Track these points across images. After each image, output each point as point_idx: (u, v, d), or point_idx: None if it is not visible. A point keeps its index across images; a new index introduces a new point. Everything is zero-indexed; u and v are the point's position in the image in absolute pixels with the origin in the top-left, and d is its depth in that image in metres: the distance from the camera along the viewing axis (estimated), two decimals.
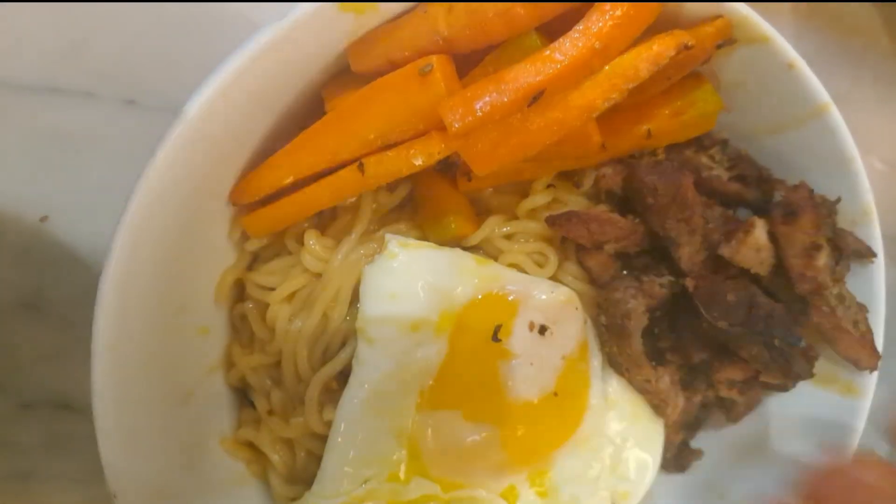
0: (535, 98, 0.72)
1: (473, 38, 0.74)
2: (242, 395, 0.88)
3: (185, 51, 0.90)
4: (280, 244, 0.84)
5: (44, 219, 0.90)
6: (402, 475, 0.82)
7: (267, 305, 0.83)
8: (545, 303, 0.82)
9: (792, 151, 0.87)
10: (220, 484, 0.84)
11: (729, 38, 0.80)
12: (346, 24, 0.73)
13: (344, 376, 0.81)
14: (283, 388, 0.84)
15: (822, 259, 0.82)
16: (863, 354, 0.84)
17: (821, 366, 0.87)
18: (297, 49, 0.72)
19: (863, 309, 0.86)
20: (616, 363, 0.87)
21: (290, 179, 0.78)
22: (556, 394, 0.83)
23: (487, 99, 0.71)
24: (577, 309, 0.84)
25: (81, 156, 0.91)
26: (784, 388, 0.87)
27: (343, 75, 0.79)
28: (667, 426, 0.91)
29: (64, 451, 0.94)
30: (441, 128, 0.73)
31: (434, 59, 0.73)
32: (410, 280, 0.79)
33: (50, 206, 0.90)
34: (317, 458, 0.82)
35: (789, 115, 0.84)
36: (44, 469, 0.94)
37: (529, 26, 0.74)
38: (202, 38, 0.91)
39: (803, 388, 0.89)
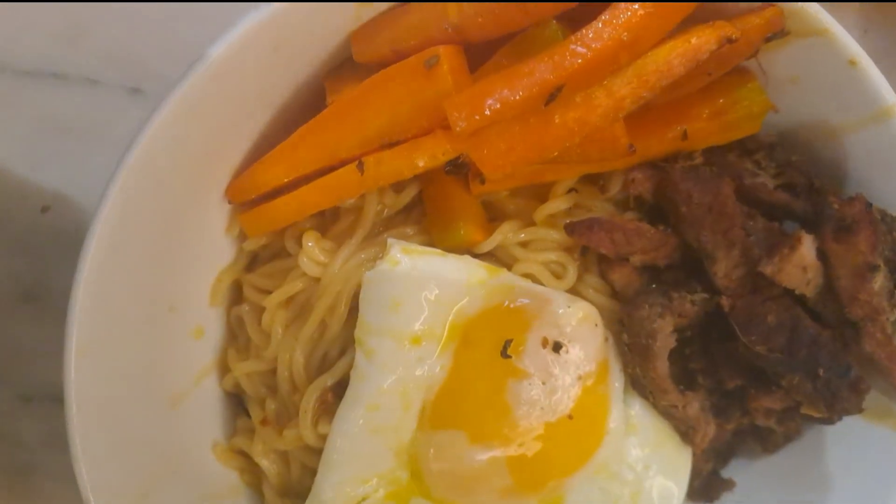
0: (553, 96, 0.66)
1: (486, 27, 0.68)
2: (239, 401, 0.84)
3: (191, 38, 0.86)
4: (280, 244, 0.80)
5: (45, 209, 0.88)
6: (401, 495, 0.78)
7: (264, 309, 0.79)
8: (561, 318, 0.76)
9: (849, 159, 0.79)
10: (211, 493, 0.80)
11: (780, 31, 0.72)
12: (347, 9, 0.68)
13: (342, 387, 0.76)
14: (278, 397, 0.80)
15: (879, 281, 0.74)
16: None
17: (873, 399, 0.78)
18: (293, 35, 0.67)
19: None
20: (640, 385, 0.80)
21: (287, 177, 0.74)
22: (570, 417, 0.77)
23: (498, 96, 0.65)
24: (596, 326, 0.77)
25: (84, 144, 0.89)
26: (829, 422, 0.79)
27: (347, 65, 0.74)
28: (695, 454, 0.84)
29: (64, 444, 0.91)
30: (447, 126, 0.67)
31: (441, 49, 0.67)
32: (413, 289, 0.74)
33: (51, 195, 0.88)
34: (311, 472, 0.78)
35: (848, 117, 0.77)
36: (43, 463, 0.93)
37: (549, 15, 0.68)
38: (208, 26, 0.86)
39: (852, 421, 0.80)
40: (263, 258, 0.82)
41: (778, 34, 0.72)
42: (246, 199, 0.76)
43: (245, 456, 0.83)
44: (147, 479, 0.74)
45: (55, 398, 0.91)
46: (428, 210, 0.78)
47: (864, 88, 0.73)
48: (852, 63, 0.73)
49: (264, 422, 0.80)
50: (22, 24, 0.86)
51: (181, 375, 0.79)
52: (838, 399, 0.75)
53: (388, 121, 0.69)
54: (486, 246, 0.77)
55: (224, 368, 0.83)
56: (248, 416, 0.84)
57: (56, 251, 0.89)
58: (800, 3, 0.70)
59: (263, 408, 0.81)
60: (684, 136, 0.77)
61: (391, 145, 0.70)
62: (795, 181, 0.80)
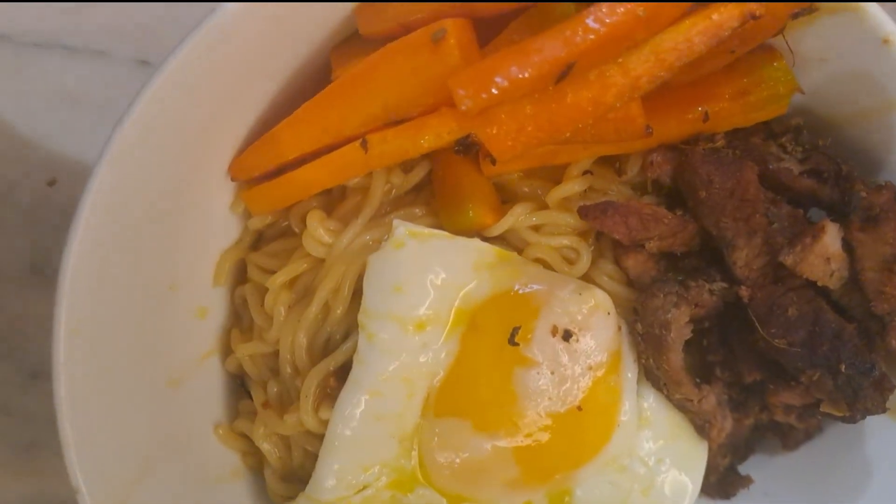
0: (564, 73, 0.63)
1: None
2: (242, 383, 0.83)
3: (200, 11, 0.84)
4: (286, 223, 0.79)
5: (52, 183, 0.87)
6: (404, 484, 0.77)
7: (267, 290, 0.77)
8: (572, 305, 0.73)
9: (879, 145, 0.76)
10: (211, 476, 0.79)
11: (808, 6, 0.68)
12: None
13: (345, 372, 0.75)
14: (279, 380, 0.78)
15: None
16: None
17: None
18: (294, 7, 0.64)
19: None
20: (654, 377, 0.77)
21: (292, 154, 0.72)
22: (580, 408, 0.74)
23: (506, 73, 0.62)
24: (609, 314, 0.75)
25: (91, 117, 0.88)
26: (851, 420, 0.75)
27: (353, 39, 0.72)
28: (711, 449, 0.81)
29: None
30: (454, 104, 0.64)
31: (449, 23, 0.64)
32: (419, 272, 0.72)
33: (58, 169, 0.88)
34: (313, 458, 0.77)
35: (880, 100, 0.73)
36: (50, 439, 0.91)
37: None
38: None
39: (877, 419, 0.77)
40: (269, 237, 0.80)
41: (806, 10, 0.69)
42: (249, 177, 0.75)
43: (248, 439, 0.82)
44: (143, 462, 0.72)
45: None
46: (437, 191, 0.76)
47: None
48: (886, 41, 0.69)
49: (266, 405, 0.79)
50: None
51: (183, 356, 0.78)
52: (860, 397, 0.72)
53: (393, 97, 0.67)
54: (497, 229, 0.75)
55: (228, 350, 0.82)
56: (252, 398, 0.82)
57: (63, 224, 0.87)
58: None
59: (266, 390, 0.80)
60: (706, 117, 0.74)
61: (397, 123, 0.68)
62: (822, 167, 0.77)
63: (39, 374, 0.91)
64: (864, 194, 0.72)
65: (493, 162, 0.72)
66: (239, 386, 0.84)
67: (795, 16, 0.68)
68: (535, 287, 0.74)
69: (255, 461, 0.82)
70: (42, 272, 0.89)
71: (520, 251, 0.76)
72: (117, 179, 0.64)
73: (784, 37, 0.71)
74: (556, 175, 0.77)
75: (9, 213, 0.87)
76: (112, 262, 0.67)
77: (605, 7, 0.62)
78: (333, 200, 0.78)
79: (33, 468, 0.92)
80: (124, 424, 0.70)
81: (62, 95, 0.87)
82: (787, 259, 0.71)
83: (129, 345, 0.71)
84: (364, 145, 0.68)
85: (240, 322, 0.82)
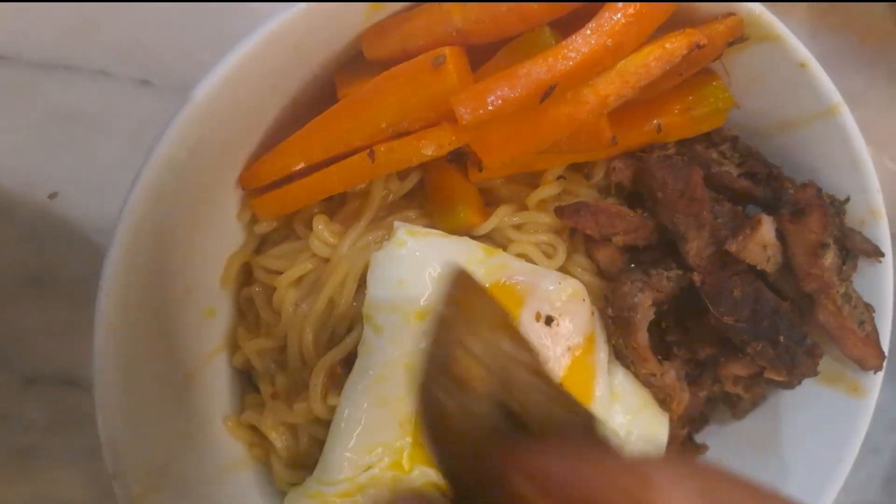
0: (547, 93, 0.72)
1: (487, 30, 0.74)
2: (247, 378, 0.89)
3: (201, 31, 0.90)
4: (289, 228, 0.85)
5: (53, 196, 0.90)
6: (404, 463, 0.82)
7: (274, 289, 0.83)
8: (552, 294, 0.82)
9: (802, 150, 0.86)
10: (221, 466, 0.84)
11: (741, 37, 0.79)
12: (359, 14, 0.73)
13: (349, 362, 0.81)
14: (287, 372, 0.84)
15: (829, 258, 0.82)
16: (868, 354, 0.84)
17: (827, 364, 0.87)
18: (310, 34, 0.72)
19: (870, 309, 0.85)
20: (622, 356, 0.87)
21: (300, 165, 0.78)
22: (561, 385, 0.83)
23: (499, 93, 0.71)
24: (584, 301, 0.84)
25: (93, 134, 0.91)
26: (789, 386, 0.87)
27: (356, 62, 0.79)
28: (672, 420, 0.91)
29: (68, 427, 0.94)
30: (452, 119, 0.73)
31: (447, 50, 0.72)
32: (418, 268, 0.79)
33: (59, 183, 0.91)
34: (319, 444, 0.82)
35: (800, 113, 0.84)
36: (47, 445, 0.94)
37: (543, 21, 0.74)
38: (218, 19, 0.91)
39: (809, 387, 0.89)
40: (272, 241, 0.86)
41: (739, 40, 0.79)
42: (259, 186, 0.81)
43: (254, 430, 0.87)
44: (166, 453, 0.77)
45: (59, 381, 0.95)
46: (430, 195, 0.84)
47: (813, 88, 0.81)
48: (802, 65, 0.80)
49: (274, 395, 0.85)
50: (36, 18, 0.88)
51: (194, 353, 0.82)
52: (797, 363, 0.83)
53: (398, 113, 0.74)
54: (484, 228, 0.83)
55: (233, 346, 0.87)
56: (256, 392, 0.88)
57: (63, 237, 0.91)
58: (757, 12, 0.77)
59: (273, 383, 0.85)
60: (659, 128, 0.84)
61: (400, 136, 0.76)
62: (756, 170, 0.87)
63: (35, 381, 0.93)
64: (791, 192, 0.83)
65: (480, 169, 0.81)
66: (245, 381, 0.89)
67: (731, 44, 0.79)
68: (520, 279, 0.82)
69: (261, 452, 0.87)
70: (41, 282, 0.91)
71: (504, 248, 0.84)
72: (148, 201, 0.70)
73: (721, 62, 0.82)
74: (533, 180, 0.86)
75: (11, 224, 0.90)
76: (139, 271, 0.72)
77: (580, 38, 0.72)
78: (334, 206, 0.85)
79: (29, 475, 0.93)
80: (150, 417, 0.75)
81: (65, 113, 0.90)
82: (732, 247, 0.82)
83: (151, 345, 0.76)
84: (371, 155, 0.76)
85: (245, 320, 0.87)
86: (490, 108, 0.71)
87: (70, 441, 0.94)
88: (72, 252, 0.92)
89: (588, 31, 0.72)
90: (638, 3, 0.72)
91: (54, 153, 0.90)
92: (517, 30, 0.75)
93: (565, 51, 0.72)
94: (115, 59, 0.91)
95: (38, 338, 0.93)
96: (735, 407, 0.93)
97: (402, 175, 0.84)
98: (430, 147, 0.75)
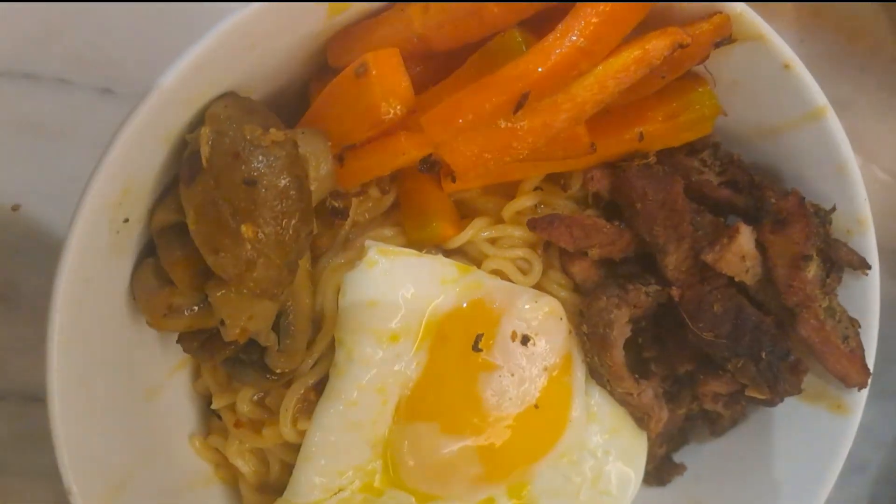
0: (521, 103, 0.70)
1: (448, 36, 0.72)
2: (209, 403, 0.85)
3: (162, 39, 0.87)
4: None
5: (16, 208, 0.88)
6: (376, 485, 0.81)
7: None
8: (528, 312, 0.80)
9: (787, 157, 0.84)
10: (185, 482, 0.82)
11: (727, 37, 0.76)
12: (318, 15, 0.70)
13: (323, 385, 0.79)
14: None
15: (811, 270, 0.80)
16: (852, 371, 0.82)
17: (809, 381, 0.84)
18: (270, 39, 0.69)
19: (854, 323, 0.83)
20: (598, 374, 0.85)
21: None
22: (537, 406, 0.81)
23: (470, 108, 0.69)
24: (561, 319, 0.82)
25: (55, 144, 0.89)
26: (771, 404, 0.84)
27: (328, 70, 0.76)
28: (650, 439, 0.89)
29: (34, 444, 0.92)
30: (411, 129, 0.71)
31: (370, 56, 0.69)
32: (391, 289, 0.77)
33: (22, 195, 0.88)
34: (289, 468, 0.80)
35: (784, 117, 0.81)
36: (13, 462, 0.93)
37: (507, 24, 0.72)
38: (180, 27, 0.88)
39: (791, 404, 0.86)
40: None
41: (725, 40, 0.75)
42: None
43: (220, 452, 0.84)
44: (125, 468, 0.75)
45: (25, 397, 0.93)
46: (403, 206, 0.82)
47: (797, 90, 0.78)
48: (787, 66, 0.77)
49: (237, 424, 0.82)
50: None
51: (155, 369, 0.80)
52: (780, 380, 0.80)
53: (341, 127, 0.72)
54: (457, 241, 0.81)
55: (196, 366, 0.85)
56: (219, 417, 0.85)
57: (26, 249, 0.89)
58: (739, 10, 0.73)
59: (234, 411, 0.82)
60: (640, 137, 0.81)
61: (352, 147, 0.73)
62: (737, 178, 0.84)
63: (2, 398, 0.91)
64: (773, 201, 0.80)
65: (454, 179, 0.79)
66: (207, 407, 0.86)
67: (717, 45, 0.75)
68: (496, 297, 0.80)
69: (227, 474, 0.85)
70: (5, 297, 0.89)
71: (479, 263, 0.82)
72: (96, 216, 0.67)
73: (707, 64, 0.78)
74: (510, 191, 0.83)
75: None
76: (93, 282, 0.69)
77: (550, 40, 0.70)
78: None
79: None
80: (109, 431, 0.73)
81: (27, 123, 0.88)
82: (708, 257, 0.79)
83: (111, 357, 0.73)
84: (339, 160, 0.73)
85: None
86: (461, 122, 0.69)
87: (35, 457, 0.92)
88: (36, 265, 0.89)
89: (558, 34, 0.69)
90: (611, 2, 0.68)
91: (17, 163, 0.88)
92: (480, 34, 0.72)
93: (536, 56, 0.69)
94: (76, 68, 0.89)
95: (3, 354, 0.90)
96: (714, 424, 0.91)
97: (384, 189, 0.81)
98: (396, 156, 0.72)
